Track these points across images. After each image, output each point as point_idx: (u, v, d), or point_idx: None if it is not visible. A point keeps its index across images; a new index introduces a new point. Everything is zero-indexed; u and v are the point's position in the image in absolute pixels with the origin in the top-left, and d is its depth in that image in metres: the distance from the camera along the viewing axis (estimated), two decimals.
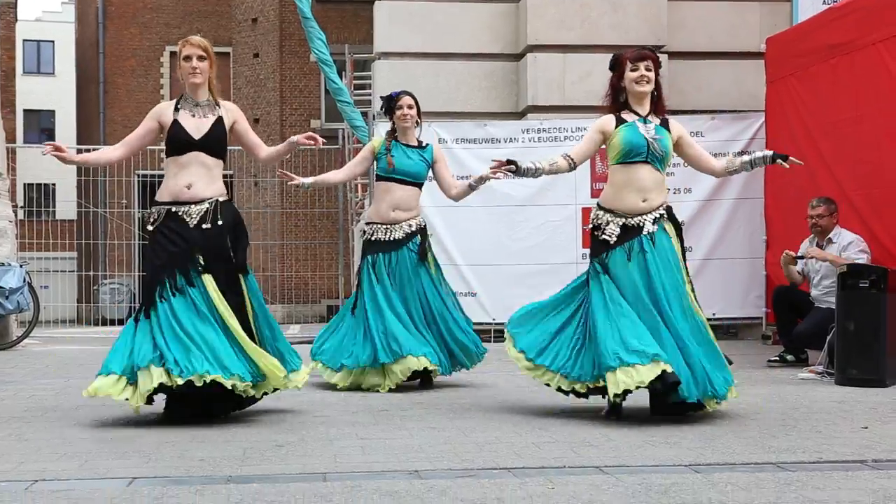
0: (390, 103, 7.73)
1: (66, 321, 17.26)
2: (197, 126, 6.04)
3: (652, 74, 6.05)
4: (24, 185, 33.99)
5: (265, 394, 6.07)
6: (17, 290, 11.51)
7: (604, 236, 6.02)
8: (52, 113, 42.82)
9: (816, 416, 6.09)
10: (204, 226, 5.94)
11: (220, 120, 6.14)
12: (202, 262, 5.90)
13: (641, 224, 5.97)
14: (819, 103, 9.95)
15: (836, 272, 8.02)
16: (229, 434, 5.49)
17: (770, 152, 6.40)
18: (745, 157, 6.36)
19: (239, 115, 6.32)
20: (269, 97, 24.30)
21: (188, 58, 6.09)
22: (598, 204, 6.21)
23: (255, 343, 5.97)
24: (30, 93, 40.21)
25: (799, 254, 9.02)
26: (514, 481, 4.32)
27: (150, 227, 6.03)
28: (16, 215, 13.61)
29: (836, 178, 9.55)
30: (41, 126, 43.17)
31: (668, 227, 6.05)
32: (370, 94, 15.00)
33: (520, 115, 12.70)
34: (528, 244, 11.60)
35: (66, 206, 30.07)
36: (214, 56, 6.21)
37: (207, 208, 5.97)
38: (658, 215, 6.01)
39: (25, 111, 40.11)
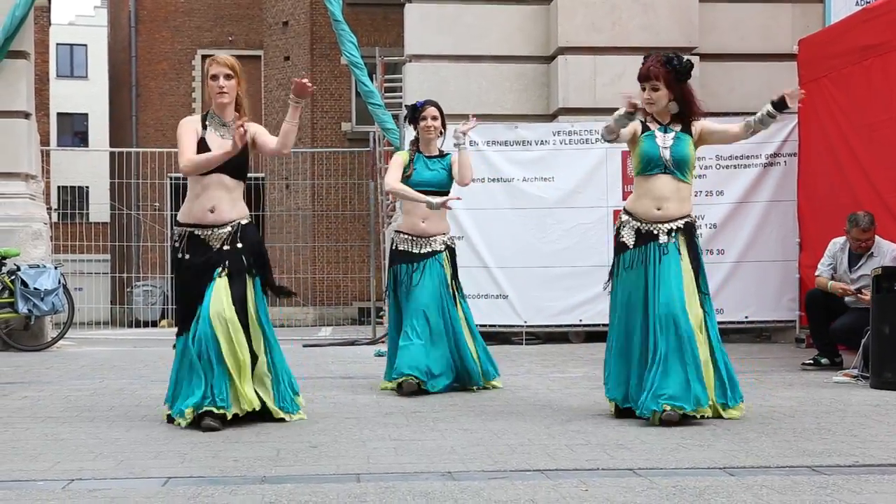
0: (415, 113, 7.69)
1: (99, 323, 17.36)
2: (222, 147, 5.91)
3: (658, 94, 5.99)
4: (59, 187, 34.29)
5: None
6: (52, 291, 11.61)
7: (622, 238, 6.12)
8: (85, 116, 43.13)
9: (852, 420, 6.05)
10: (226, 247, 5.95)
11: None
12: (227, 269, 5.94)
13: (655, 232, 5.99)
14: (853, 105, 9.87)
15: (871, 277, 7.96)
16: (263, 435, 5.52)
17: (769, 103, 6.02)
18: (757, 115, 6.07)
19: (258, 130, 6.15)
20: None
21: (215, 77, 6.01)
22: (624, 208, 6.29)
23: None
24: (63, 96, 40.51)
25: (850, 287, 8.80)
26: (548, 483, 4.31)
27: (177, 253, 6.07)
28: (50, 218, 13.71)
29: (871, 181, 9.48)
30: (74, 129, 43.50)
31: (682, 243, 6.01)
32: (401, 97, 15.02)
33: (551, 118, 12.69)
34: (559, 247, 11.57)
35: (100, 209, 30.29)
36: (243, 73, 6.11)
37: (230, 231, 5.97)
38: (675, 227, 6.00)
39: (59, 114, 40.44)
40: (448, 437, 5.51)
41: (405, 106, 7.86)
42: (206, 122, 6.07)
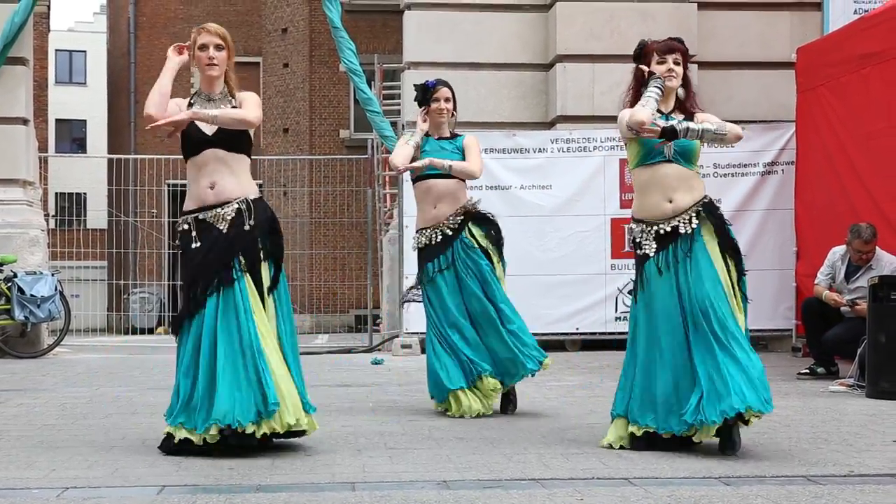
0: (426, 94, 7.06)
1: (96, 330, 17.36)
2: (210, 120, 5.34)
3: (680, 69, 5.55)
4: (56, 194, 34.26)
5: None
6: (49, 298, 11.61)
7: (643, 251, 5.51)
8: (83, 122, 43.13)
9: (847, 429, 6.05)
10: (235, 231, 5.31)
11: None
12: (243, 262, 5.31)
13: (675, 227, 5.42)
14: (851, 114, 9.89)
15: (867, 288, 7.97)
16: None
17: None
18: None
19: (244, 98, 5.51)
20: (298, 107, 24.40)
21: (204, 47, 5.46)
22: (632, 217, 5.67)
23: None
24: (62, 102, 40.51)
25: (843, 299, 8.80)
26: (543, 492, 4.32)
27: (187, 244, 5.40)
28: (47, 224, 13.73)
29: (868, 190, 9.49)
30: (73, 135, 43.50)
31: (707, 229, 5.45)
32: (399, 104, 15.04)
33: (549, 125, 12.70)
34: (556, 255, 11.59)
35: (97, 216, 30.30)
36: (233, 45, 5.58)
37: (239, 208, 5.34)
38: (693, 214, 5.43)
39: (57, 121, 40.44)
40: (443, 445, 5.51)
41: (414, 86, 7.27)
42: (192, 102, 5.54)
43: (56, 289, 11.74)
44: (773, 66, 12.57)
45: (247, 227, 5.32)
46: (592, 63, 12.53)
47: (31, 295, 11.48)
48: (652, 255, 5.47)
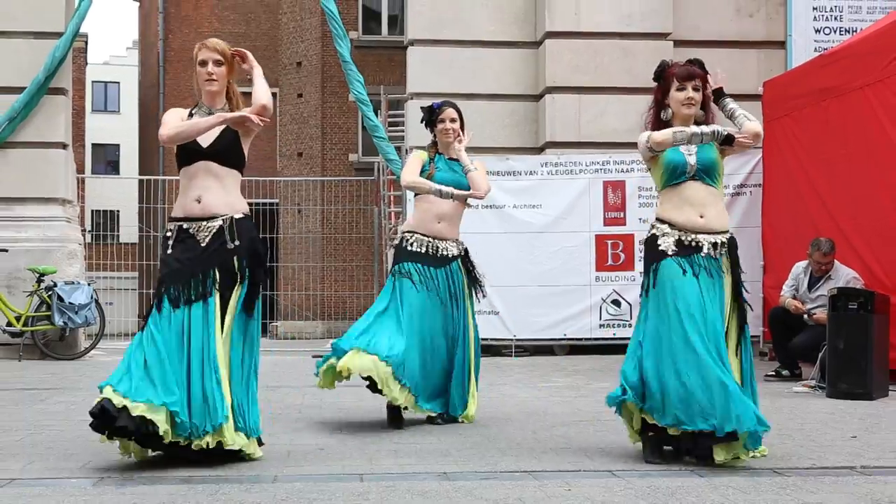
0: (431, 115, 6.50)
1: (128, 334, 17.28)
2: (206, 134, 4.94)
3: (699, 96, 5.06)
4: (92, 211, 34.21)
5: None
6: (86, 306, 11.60)
7: (661, 247, 4.95)
8: (117, 147, 43.15)
9: (810, 426, 6.05)
10: (214, 246, 4.83)
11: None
12: (217, 279, 4.81)
13: (700, 244, 4.92)
14: (812, 142, 9.91)
15: (827, 298, 8.00)
16: (274, 438, 5.49)
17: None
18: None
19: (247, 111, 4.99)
20: (311, 133, 24.42)
21: (204, 63, 5.01)
22: (656, 217, 5.11)
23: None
24: (98, 129, 40.55)
25: (804, 307, 8.82)
26: (534, 483, 4.32)
27: (165, 249, 4.94)
28: (84, 239, 13.72)
29: (828, 210, 9.50)
30: (107, 159, 43.51)
31: (725, 265, 5.01)
32: (403, 131, 15.06)
33: (539, 150, 12.71)
34: (545, 268, 11.59)
35: (129, 231, 30.23)
36: (234, 61, 5.08)
37: (221, 226, 4.86)
38: (718, 241, 4.96)
39: (94, 145, 40.45)
40: (444, 440, 5.51)
41: (421, 108, 6.70)
42: (193, 112, 5.11)
43: (92, 297, 11.73)
44: (742, 98, 12.43)
45: (230, 246, 4.83)
46: (578, 94, 12.55)
47: (70, 303, 11.47)
48: (671, 254, 4.91)
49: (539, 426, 6.01)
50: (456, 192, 6.32)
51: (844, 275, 8.67)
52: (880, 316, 7.77)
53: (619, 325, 11.59)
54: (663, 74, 5.15)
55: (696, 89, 5.06)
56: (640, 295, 5.06)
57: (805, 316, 8.79)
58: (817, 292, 8.76)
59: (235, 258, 4.84)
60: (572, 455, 5.02)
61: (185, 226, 4.90)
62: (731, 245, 5.05)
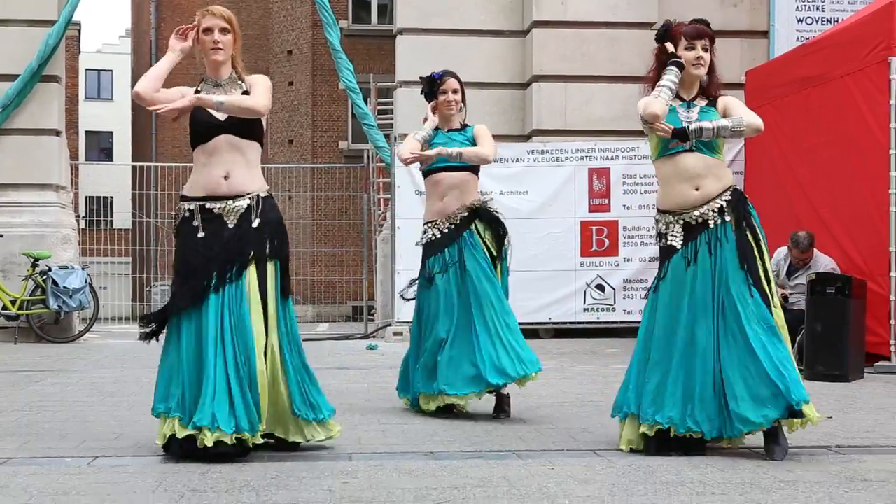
0: (432, 86, 6.05)
1: (122, 318, 17.32)
2: (217, 103, 4.53)
3: (708, 56, 4.74)
4: (86, 197, 34.08)
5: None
6: (80, 290, 11.61)
7: (669, 242, 4.68)
8: (110, 134, 42.96)
9: None
10: (244, 226, 4.52)
11: (245, 95, 4.65)
12: (250, 260, 4.51)
13: (705, 218, 4.63)
14: (794, 130, 9.95)
15: (805, 285, 8.06)
16: None
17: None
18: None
19: (254, 82, 4.72)
20: (302, 121, 24.39)
21: (209, 30, 4.64)
22: (656, 209, 4.83)
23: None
24: (91, 116, 40.40)
25: (781, 281, 8.82)
26: (518, 462, 4.35)
27: (190, 231, 4.59)
28: (78, 224, 13.70)
29: (809, 197, 9.55)
30: (101, 145, 43.33)
31: (734, 220, 4.67)
32: (392, 119, 15.06)
33: (526, 138, 12.73)
34: (532, 253, 11.60)
35: (123, 217, 30.16)
36: (239, 29, 4.74)
37: (250, 205, 4.55)
38: (721, 204, 4.65)
39: (87, 132, 40.29)
40: (430, 421, 5.54)
41: (420, 78, 6.21)
42: (199, 89, 4.72)
43: (86, 281, 11.73)
44: (726, 87, 12.43)
45: (255, 225, 4.51)
46: (564, 83, 12.58)
47: (64, 287, 11.48)
48: (679, 247, 4.64)
49: (523, 407, 6.04)
50: (462, 149, 5.91)
51: (824, 264, 8.72)
52: (857, 301, 7.84)
53: (602, 310, 11.65)
54: (669, 35, 4.77)
55: (705, 49, 4.73)
56: (651, 289, 4.79)
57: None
58: (796, 280, 8.81)
59: (267, 240, 4.54)
60: (556, 435, 5.06)
61: (209, 205, 4.54)
62: (735, 200, 4.70)
